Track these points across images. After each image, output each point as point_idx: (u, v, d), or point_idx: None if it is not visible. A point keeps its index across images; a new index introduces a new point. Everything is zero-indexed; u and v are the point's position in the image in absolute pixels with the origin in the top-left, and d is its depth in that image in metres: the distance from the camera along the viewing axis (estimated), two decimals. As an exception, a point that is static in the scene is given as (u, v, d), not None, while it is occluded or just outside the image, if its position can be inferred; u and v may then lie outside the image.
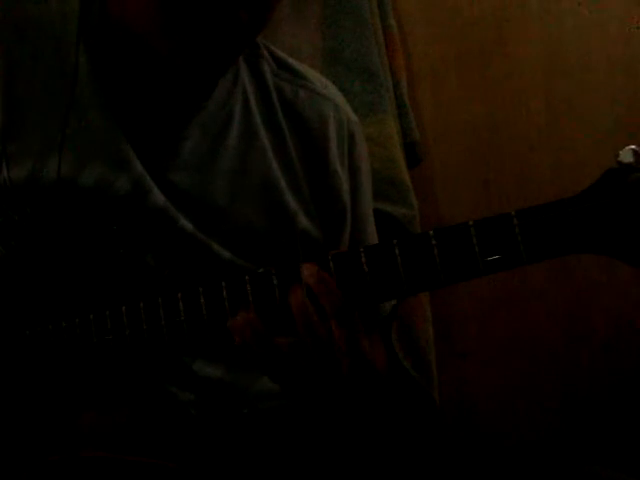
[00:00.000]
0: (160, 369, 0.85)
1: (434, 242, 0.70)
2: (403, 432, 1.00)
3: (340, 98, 1.04)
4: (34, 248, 0.83)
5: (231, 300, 0.75)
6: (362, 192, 1.03)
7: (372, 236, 1.05)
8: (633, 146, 0.65)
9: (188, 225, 0.87)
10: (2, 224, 0.83)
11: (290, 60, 1.02)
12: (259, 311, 0.74)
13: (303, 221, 0.95)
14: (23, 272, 0.83)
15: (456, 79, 1.70)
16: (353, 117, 1.03)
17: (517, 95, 1.71)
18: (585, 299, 1.69)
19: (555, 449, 1.66)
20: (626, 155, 0.65)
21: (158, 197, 0.86)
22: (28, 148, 0.83)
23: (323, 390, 0.77)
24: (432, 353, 1.51)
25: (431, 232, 0.71)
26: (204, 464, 0.84)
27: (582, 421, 1.69)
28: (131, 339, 0.77)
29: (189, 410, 0.87)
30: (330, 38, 1.57)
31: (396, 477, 0.88)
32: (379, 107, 1.54)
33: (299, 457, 0.91)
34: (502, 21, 1.70)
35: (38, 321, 0.81)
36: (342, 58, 1.55)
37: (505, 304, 1.69)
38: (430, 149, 1.69)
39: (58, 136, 0.83)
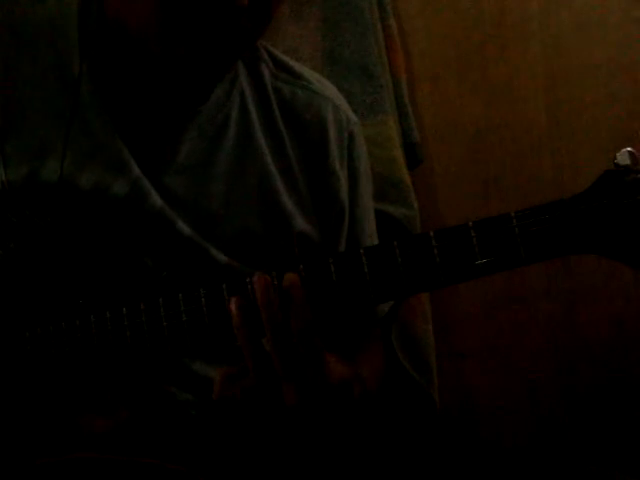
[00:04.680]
0: (160, 370, 0.85)
1: (434, 243, 0.71)
2: (402, 433, 1.00)
3: (339, 99, 1.04)
4: (33, 250, 0.83)
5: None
6: (361, 193, 1.03)
7: (372, 237, 1.04)
8: (629, 148, 0.65)
9: (186, 228, 0.87)
10: (0, 226, 0.83)
11: (289, 61, 1.02)
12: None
13: (300, 223, 0.95)
14: (22, 274, 0.83)
15: (456, 79, 1.70)
16: (352, 117, 1.03)
17: (517, 95, 1.70)
18: (585, 300, 1.69)
19: (555, 449, 1.66)
20: (623, 157, 0.65)
21: (156, 200, 0.86)
22: (26, 149, 0.83)
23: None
24: (432, 353, 1.51)
25: (431, 233, 0.71)
26: (204, 464, 0.84)
27: (582, 421, 1.69)
28: (132, 340, 0.77)
29: (189, 410, 0.87)
30: (330, 38, 1.57)
31: (396, 478, 0.88)
32: (379, 108, 1.54)
33: (299, 458, 0.91)
34: (502, 21, 1.70)
35: (38, 323, 0.81)
36: (342, 59, 1.55)
37: (505, 304, 1.68)
38: (430, 150, 1.69)
39: (57, 138, 0.83)
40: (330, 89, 1.04)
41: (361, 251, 0.72)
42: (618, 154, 0.65)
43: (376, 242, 1.03)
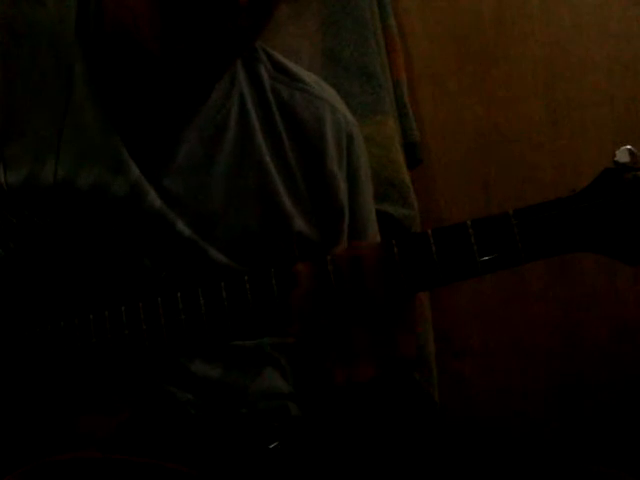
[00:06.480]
0: (159, 369, 0.85)
1: (432, 241, 0.71)
2: (403, 432, 1.00)
3: (337, 100, 1.04)
4: (32, 250, 0.83)
5: (230, 300, 0.75)
6: (361, 194, 1.02)
7: (374, 238, 1.04)
8: (629, 146, 0.65)
9: (185, 229, 0.87)
10: (0, 227, 0.83)
11: (287, 63, 1.02)
12: (257, 311, 0.74)
13: (300, 223, 0.95)
14: (22, 274, 0.83)
15: (456, 79, 1.70)
16: (350, 118, 1.03)
17: (517, 95, 1.71)
18: (585, 301, 1.69)
19: (555, 449, 1.66)
20: (622, 155, 0.66)
21: (155, 200, 0.86)
22: (25, 151, 0.83)
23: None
24: (432, 353, 1.51)
25: (429, 231, 0.71)
26: (204, 464, 0.84)
27: (582, 421, 1.69)
28: (130, 339, 0.77)
29: (188, 410, 0.87)
30: (330, 39, 1.57)
31: (396, 477, 0.88)
32: (379, 108, 1.54)
33: (299, 457, 0.91)
34: (502, 21, 1.70)
35: (37, 322, 0.81)
36: (342, 59, 1.56)
37: (505, 304, 1.69)
38: (430, 149, 1.69)
39: (55, 139, 0.83)
40: (328, 91, 1.04)
41: (360, 250, 0.72)
42: (617, 151, 0.65)
43: None
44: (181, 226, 0.87)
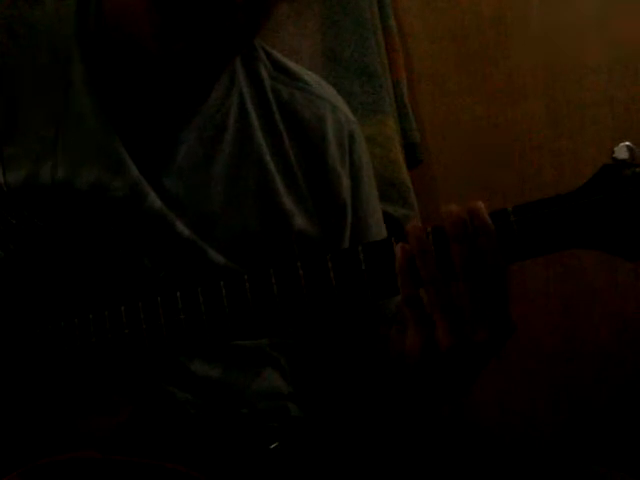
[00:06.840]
0: (158, 369, 0.85)
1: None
2: (403, 431, 1.00)
3: (337, 99, 1.04)
4: (32, 251, 0.83)
5: (230, 299, 0.75)
6: (364, 192, 1.02)
7: (379, 236, 1.03)
8: (627, 142, 0.65)
9: (185, 230, 0.87)
10: (0, 227, 0.83)
11: (287, 62, 1.02)
12: (257, 309, 0.74)
13: (300, 221, 0.94)
14: (22, 274, 0.83)
15: (456, 79, 1.70)
16: (351, 117, 1.03)
17: (517, 95, 1.71)
18: (585, 300, 1.69)
19: (555, 449, 1.65)
20: (621, 151, 0.66)
21: (154, 201, 0.85)
22: (25, 152, 0.83)
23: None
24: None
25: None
26: (203, 464, 0.84)
27: (582, 421, 1.69)
28: (130, 339, 0.77)
29: (188, 410, 0.87)
30: (330, 39, 1.57)
31: (396, 476, 0.88)
32: (379, 108, 1.54)
33: (299, 457, 0.91)
34: (502, 21, 1.70)
35: (37, 322, 0.81)
36: (342, 59, 1.56)
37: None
38: (430, 149, 1.69)
39: (54, 139, 0.83)
40: (329, 91, 1.04)
41: (359, 248, 0.72)
42: (616, 148, 0.65)
43: None
44: (180, 227, 0.87)
